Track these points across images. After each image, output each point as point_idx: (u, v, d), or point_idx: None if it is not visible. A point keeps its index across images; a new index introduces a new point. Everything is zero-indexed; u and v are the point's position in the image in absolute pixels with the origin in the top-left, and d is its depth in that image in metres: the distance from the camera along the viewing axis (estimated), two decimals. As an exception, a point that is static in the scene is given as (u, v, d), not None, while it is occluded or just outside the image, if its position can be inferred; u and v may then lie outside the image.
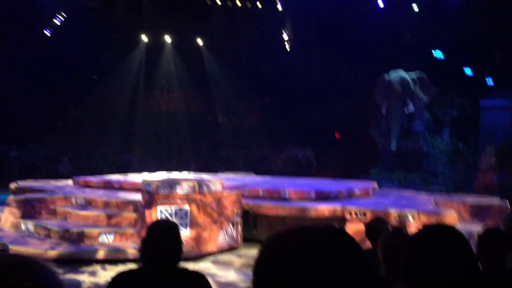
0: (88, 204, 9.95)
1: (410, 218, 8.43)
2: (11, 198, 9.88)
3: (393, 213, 8.46)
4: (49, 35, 23.01)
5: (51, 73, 24.04)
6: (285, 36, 25.52)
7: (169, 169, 19.33)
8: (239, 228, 9.34)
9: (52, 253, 7.86)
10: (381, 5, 21.49)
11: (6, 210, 9.68)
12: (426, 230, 1.78)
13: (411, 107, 18.31)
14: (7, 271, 0.83)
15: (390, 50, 21.77)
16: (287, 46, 25.71)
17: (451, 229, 1.76)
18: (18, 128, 22.37)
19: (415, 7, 21.19)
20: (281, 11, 24.50)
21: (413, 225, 8.32)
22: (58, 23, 22.94)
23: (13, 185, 12.00)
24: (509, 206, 10.23)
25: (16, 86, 22.39)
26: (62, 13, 22.91)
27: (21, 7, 21.00)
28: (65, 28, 22.91)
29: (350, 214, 8.86)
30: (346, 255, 0.88)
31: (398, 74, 18.51)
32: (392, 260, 3.04)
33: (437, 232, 1.74)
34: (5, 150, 22.03)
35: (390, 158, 18.74)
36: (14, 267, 0.85)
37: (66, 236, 8.51)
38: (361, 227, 8.52)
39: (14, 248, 7.96)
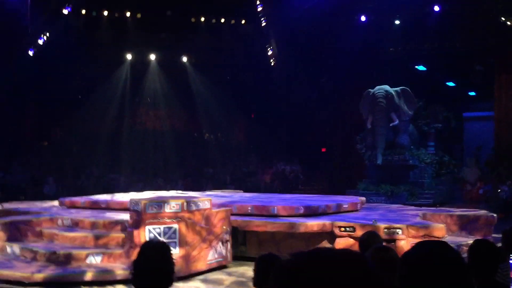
0: (75, 225, 9.83)
1: (399, 231, 8.46)
2: (-4, 220, 9.73)
3: (382, 227, 8.48)
4: (31, 55, 22.90)
5: (36, 93, 23.91)
6: (269, 52, 25.68)
7: (156, 187, 19.21)
8: (229, 245, 9.28)
9: (39, 276, 7.73)
10: (363, 19, 21.74)
11: (-9, 233, 9.52)
12: (418, 247, 1.79)
13: (395, 121, 18.48)
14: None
15: (373, 65, 22.02)
16: (272, 62, 25.87)
17: (443, 244, 1.78)
18: (2, 149, 22.12)
19: (396, 22, 21.49)
20: (264, 27, 24.67)
21: (402, 239, 8.34)
22: (41, 43, 22.86)
23: (-3, 208, 11.84)
24: (495, 217, 10.32)
25: (0, 106, 22.18)
26: (47, 33, 22.84)
27: (5, 27, 20.89)
28: (50, 48, 22.83)
29: (339, 229, 8.87)
30: (367, 280, 0.88)
31: (382, 88, 18.70)
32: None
33: (430, 248, 1.75)
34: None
35: (376, 172, 18.86)
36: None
37: (52, 258, 8.38)
38: (350, 241, 8.55)
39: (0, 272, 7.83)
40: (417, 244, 1.80)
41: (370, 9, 21.72)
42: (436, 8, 20.23)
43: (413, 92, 18.93)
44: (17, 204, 12.87)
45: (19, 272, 7.84)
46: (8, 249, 9.11)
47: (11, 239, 9.30)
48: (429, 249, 1.74)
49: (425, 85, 22.39)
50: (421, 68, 24.14)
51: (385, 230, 8.43)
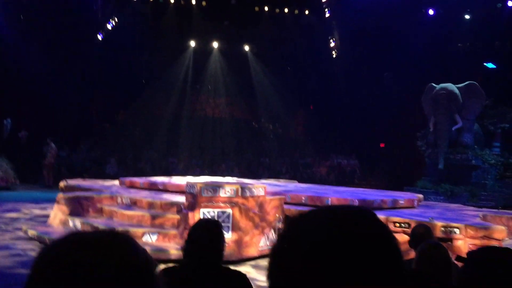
0: (133, 204, 10.14)
1: (457, 231, 8.20)
2: (60, 195, 10.18)
3: (439, 225, 8.25)
4: (100, 39, 23.70)
5: (101, 77, 24.73)
6: (332, 44, 25.41)
7: (212, 173, 19.49)
8: (281, 234, 9.32)
9: (98, 250, 8.04)
10: (431, 12, 21.11)
11: (56, 207, 9.99)
12: (482, 252, 1.73)
13: (459, 123, 17.82)
14: (99, 246, 0.82)
15: (439, 61, 21.34)
16: (334, 54, 25.58)
17: (507, 251, 1.70)
18: (70, 130, 23.06)
19: (466, 16, 20.72)
20: (328, 18, 24.41)
21: (459, 238, 8.09)
22: (110, 28, 23.61)
23: (62, 183, 12.40)
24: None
25: (67, 88, 23.09)
26: (115, 18, 23.56)
27: (76, 11, 21.70)
28: (117, 33, 23.55)
29: (394, 224, 8.71)
30: (376, 240, 0.82)
31: (445, 88, 17.97)
32: (426, 273, 2.95)
33: (494, 255, 1.69)
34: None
35: (437, 170, 18.28)
36: (105, 243, 0.84)
37: (111, 234, 8.69)
38: (405, 238, 8.37)
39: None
40: (479, 250, 1.73)
41: (439, 3, 21.05)
42: (510, 3, 19.35)
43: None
44: (80, 181, 13.43)
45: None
46: (70, 223, 9.52)
47: (73, 213, 9.71)
48: (493, 255, 1.67)
49: (493, 83, 21.46)
50: (490, 65, 23.18)
51: (442, 228, 8.21)
